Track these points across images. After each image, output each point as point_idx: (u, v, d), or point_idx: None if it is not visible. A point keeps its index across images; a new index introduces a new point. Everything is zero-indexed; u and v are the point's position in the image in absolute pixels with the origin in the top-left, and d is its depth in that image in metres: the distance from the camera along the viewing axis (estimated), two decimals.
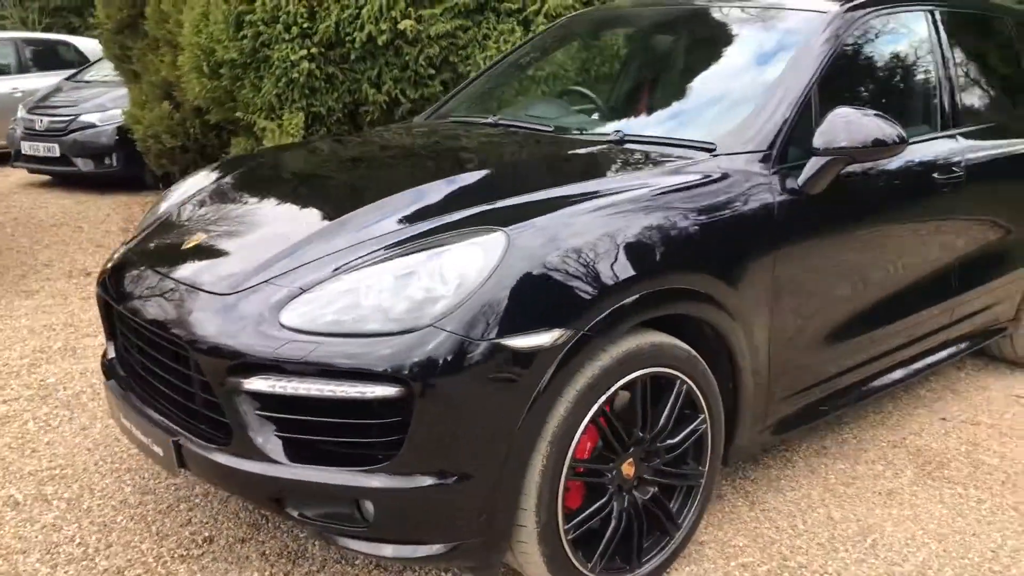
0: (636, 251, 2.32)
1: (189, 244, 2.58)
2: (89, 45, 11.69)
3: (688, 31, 3.43)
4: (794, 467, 3.34)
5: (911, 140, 2.86)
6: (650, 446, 2.48)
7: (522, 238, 2.19)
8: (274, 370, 2.14)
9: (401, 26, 5.67)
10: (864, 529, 2.94)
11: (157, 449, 2.42)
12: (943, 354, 3.56)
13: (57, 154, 8.74)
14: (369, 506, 2.15)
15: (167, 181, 8.06)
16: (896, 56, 3.34)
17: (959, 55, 3.59)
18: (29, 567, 2.68)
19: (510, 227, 2.21)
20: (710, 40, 3.32)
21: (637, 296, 2.29)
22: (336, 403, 2.11)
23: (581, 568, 2.37)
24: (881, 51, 3.28)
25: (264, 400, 2.17)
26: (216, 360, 2.19)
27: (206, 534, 2.83)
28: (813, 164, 2.74)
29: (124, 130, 8.49)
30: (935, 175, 3.25)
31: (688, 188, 2.52)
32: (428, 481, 2.10)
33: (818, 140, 2.71)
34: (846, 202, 2.89)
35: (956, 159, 3.37)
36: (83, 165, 8.75)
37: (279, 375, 2.13)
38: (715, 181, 2.59)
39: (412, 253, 2.21)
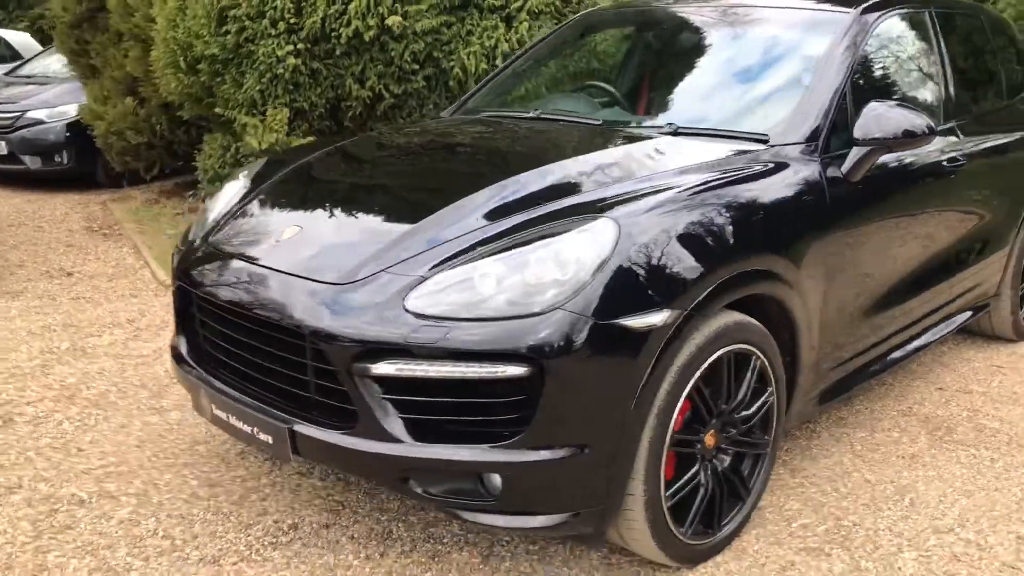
0: (725, 235, 2.50)
1: (284, 236, 2.63)
2: (19, 39, 11.27)
3: (717, 28, 3.62)
4: (820, 437, 3.58)
5: None
6: (728, 418, 2.66)
7: (629, 225, 2.33)
8: (403, 354, 2.23)
9: (388, 22, 5.73)
10: (900, 489, 3.18)
11: (265, 437, 2.47)
12: (947, 327, 3.86)
13: (4, 152, 8.44)
14: (495, 480, 2.26)
15: (132, 178, 7.90)
16: (908, 53, 3.61)
17: (951, 51, 3.88)
18: (120, 561, 2.69)
19: (617, 215, 2.35)
20: (741, 37, 3.51)
21: (727, 277, 2.47)
22: (462, 383, 2.22)
23: (677, 534, 2.53)
24: (896, 48, 3.53)
25: (390, 383, 2.26)
26: (342, 347, 2.27)
27: (289, 521, 2.89)
28: (855, 153, 2.97)
29: (75, 126, 8.27)
30: (944, 163, 3.53)
31: (758, 177, 2.71)
32: (554, 454, 2.23)
33: (858, 132, 2.94)
34: (880, 188, 3.13)
35: (958, 148, 3.65)
36: (31, 163, 8.48)
37: (407, 359, 2.23)
38: (778, 170, 2.78)
39: (527, 242, 2.33)
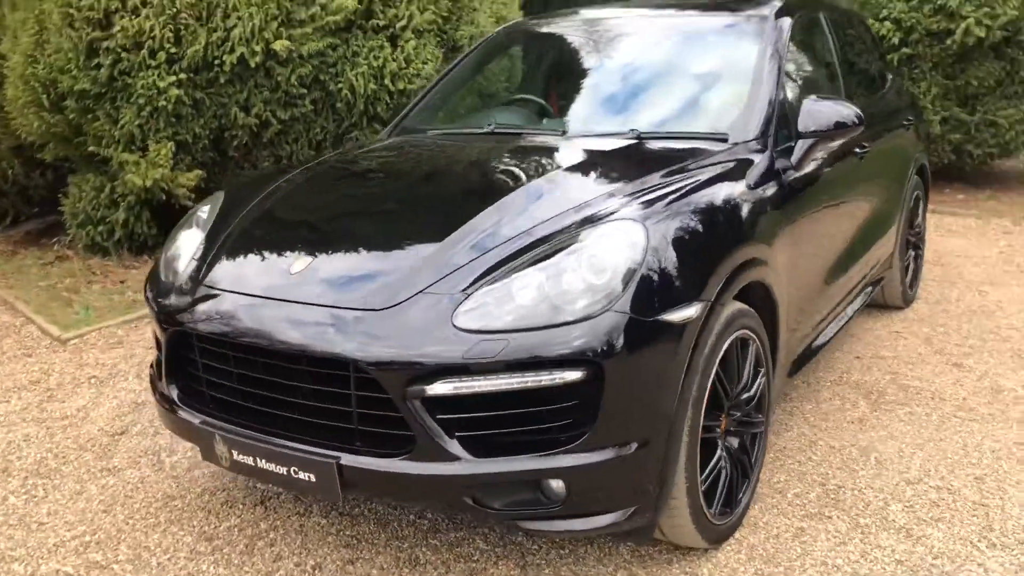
0: (727, 228, 2.67)
1: (296, 268, 2.55)
2: None
3: (645, 37, 3.80)
4: (774, 414, 3.82)
5: None
6: (735, 400, 2.82)
7: (652, 225, 2.44)
8: (458, 372, 2.23)
9: (275, 47, 5.60)
10: (863, 451, 3.46)
11: (306, 476, 2.39)
12: (864, 298, 4.23)
13: None
14: (557, 486, 2.30)
15: None
16: (816, 51, 3.93)
17: (842, 50, 4.27)
18: None
19: (639, 216, 2.45)
20: (672, 44, 3.72)
21: (734, 266, 2.62)
22: (519, 394, 2.25)
23: (709, 516, 2.66)
24: (807, 48, 3.84)
25: (446, 403, 2.25)
26: (394, 373, 2.24)
27: (311, 562, 2.79)
28: (801, 146, 3.23)
29: None
30: (856, 149, 3.87)
31: (737, 172, 2.89)
32: (618, 452, 2.30)
33: (800, 125, 3.21)
34: (820, 174, 3.41)
35: (862, 135, 4.02)
36: None
37: (463, 376, 2.23)
38: (748, 165, 2.98)
39: (559, 250, 2.38)
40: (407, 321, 2.31)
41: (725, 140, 3.14)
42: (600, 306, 2.26)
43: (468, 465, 2.27)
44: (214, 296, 2.63)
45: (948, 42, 7.54)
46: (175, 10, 5.45)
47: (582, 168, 2.94)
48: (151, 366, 3.02)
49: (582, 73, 3.82)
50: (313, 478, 2.39)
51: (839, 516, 3.01)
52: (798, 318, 3.32)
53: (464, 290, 2.34)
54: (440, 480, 2.28)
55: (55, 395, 4.28)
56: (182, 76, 5.53)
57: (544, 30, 4.25)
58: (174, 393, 2.76)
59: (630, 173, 2.85)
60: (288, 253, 2.66)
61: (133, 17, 5.45)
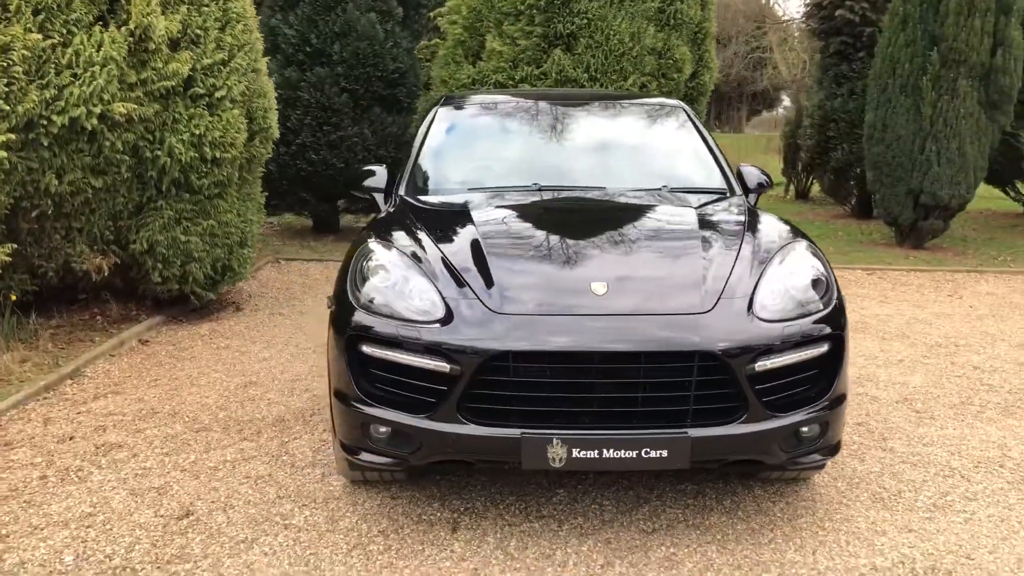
0: None
1: (600, 291, 3.07)
2: None
3: (599, 115, 4.81)
4: None
5: None
6: None
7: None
8: (768, 352, 3.05)
9: (118, 109, 5.27)
10: None
11: (657, 454, 2.92)
12: None
13: None
14: (812, 430, 3.20)
15: None
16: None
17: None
18: None
19: (803, 240, 3.52)
20: (621, 120, 4.81)
21: None
22: (797, 365, 3.14)
23: None
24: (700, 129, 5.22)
25: (759, 376, 3.04)
26: (736, 357, 2.97)
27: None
28: (754, 195, 4.53)
29: None
30: None
31: (751, 209, 4.07)
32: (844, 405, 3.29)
33: (755, 183, 4.53)
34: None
35: None
36: None
37: (770, 355, 3.05)
38: (748, 206, 4.18)
39: (776, 259, 3.32)
40: (726, 318, 3.05)
41: (724, 192, 4.32)
42: (823, 300, 3.26)
43: (776, 421, 3.06)
44: (527, 321, 2.98)
45: None
46: (8, 62, 4.79)
47: (698, 206, 3.89)
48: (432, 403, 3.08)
49: (554, 145, 4.68)
50: (665, 453, 2.93)
51: None
52: None
53: (745, 293, 3.14)
54: (764, 435, 3.04)
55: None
56: (11, 136, 4.84)
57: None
58: (472, 418, 2.99)
59: (726, 214, 3.87)
60: (581, 279, 3.17)
61: None
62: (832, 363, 3.23)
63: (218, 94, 5.95)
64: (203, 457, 4.08)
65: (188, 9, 5.72)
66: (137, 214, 5.97)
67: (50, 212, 5.39)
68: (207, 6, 5.86)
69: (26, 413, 4.62)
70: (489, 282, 3.17)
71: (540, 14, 8.78)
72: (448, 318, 3.06)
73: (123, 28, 5.30)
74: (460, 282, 3.18)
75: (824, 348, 3.20)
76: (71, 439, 4.29)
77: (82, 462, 4.01)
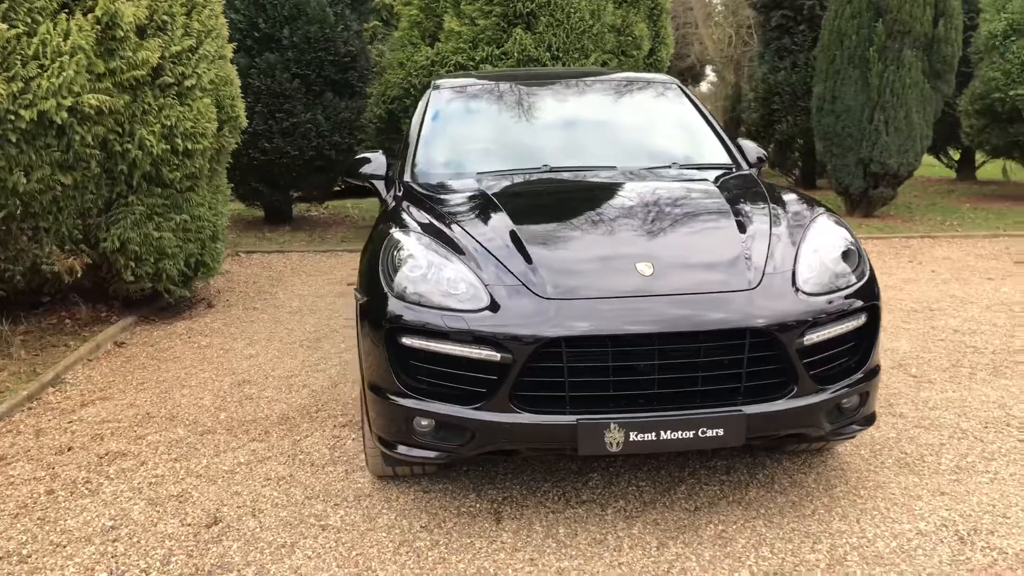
0: None
1: (647, 272, 3.03)
2: None
3: (600, 93, 4.76)
4: None
5: None
6: None
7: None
8: (815, 325, 3.06)
9: (90, 101, 5.02)
10: None
11: (714, 432, 2.91)
12: None
13: None
14: (855, 400, 3.23)
15: None
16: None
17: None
18: None
19: (827, 211, 3.53)
20: (625, 98, 4.75)
21: None
22: (839, 338, 3.15)
23: None
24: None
25: (806, 350, 3.04)
26: (788, 331, 2.97)
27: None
28: (755, 168, 4.54)
29: None
30: None
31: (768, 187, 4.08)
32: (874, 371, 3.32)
33: (750, 156, 4.55)
34: None
35: None
36: None
37: (816, 328, 3.06)
38: (762, 181, 4.19)
39: (806, 237, 3.33)
40: (774, 293, 3.04)
41: (730, 167, 4.32)
42: (856, 273, 3.28)
43: (823, 394, 3.08)
44: (579, 305, 2.93)
45: None
46: None
47: (716, 182, 3.88)
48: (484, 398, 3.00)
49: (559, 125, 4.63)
50: (721, 432, 2.92)
51: None
52: None
53: (788, 268, 3.15)
54: (813, 408, 3.05)
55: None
56: None
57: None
58: (523, 404, 2.93)
59: (743, 188, 3.87)
60: (625, 258, 3.12)
61: None
62: (869, 334, 3.26)
63: (188, 83, 5.71)
64: (215, 461, 3.93)
65: None
66: (106, 211, 5.71)
67: (17, 213, 5.11)
68: None
69: (14, 425, 4.39)
70: (530, 266, 3.10)
71: None
72: (495, 306, 2.99)
73: (89, 16, 5.03)
74: (499, 267, 3.11)
75: (862, 319, 3.22)
76: (70, 450, 4.09)
77: (88, 473, 3.82)
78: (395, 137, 9.84)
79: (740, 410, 2.95)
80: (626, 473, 3.66)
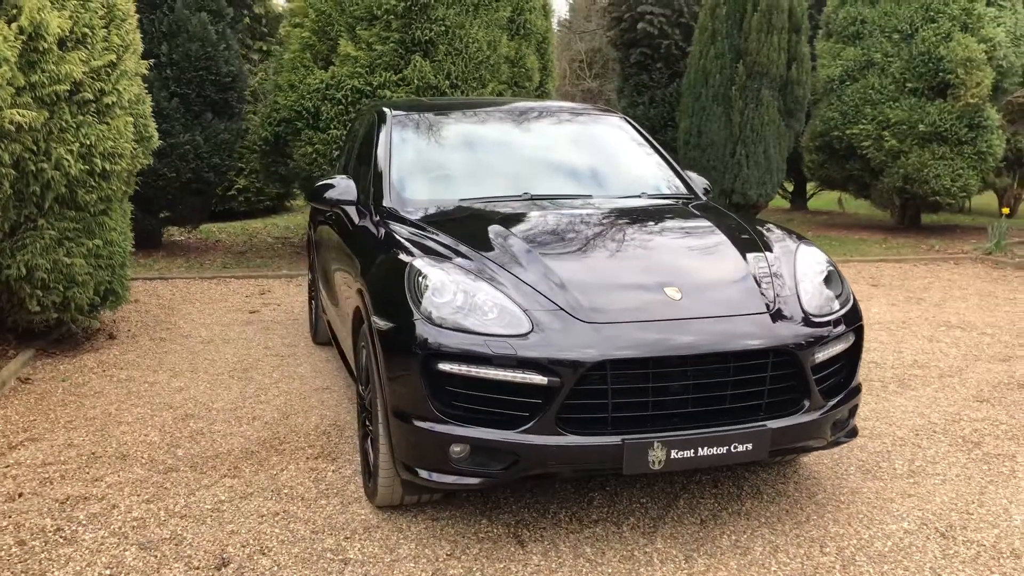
0: None
1: (676, 296, 3.17)
2: None
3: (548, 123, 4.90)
4: None
5: None
6: None
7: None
8: (824, 343, 3.31)
9: (13, 116, 4.66)
10: None
11: (743, 447, 3.08)
12: None
13: None
14: (845, 413, 3.51)
15: None
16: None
17: None
18: None
19: (803, 240, 3.83)
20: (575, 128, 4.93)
21: None
22: (839, 355, 3.43)
23: None
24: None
25: (817, 367, 3.30)
26: (803, 351, 3.20)
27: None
28: (707, 196, 4.82)
29: None
30: None
31: (739, 217, 4.37)
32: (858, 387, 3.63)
33: (701, 188, 4.84)
34: None
35: None
36: None
37: (822, 347, 3.32)
38: (731, 211, 4.48)
39: (796, 264, 3.60)
40: (788, 315, 3.27)
41: (689, 199, 4.57)
42: (842, 298, 3.58)
43: (828, 408, 3.33)
44: (621, 329, 3.03)
45: None
46: None
47: (703, 213, 4.08)
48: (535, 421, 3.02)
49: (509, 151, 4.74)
50: (750, 447, 3.10)
51: None
52: None
53: (789, 293, 3.39)
54: (822, 421, 3.29)
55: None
56: None
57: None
58: (570, 427, 3.00)
59: (711, 213, 4.11)
60: (651, 284, 3.24)
61: None
62: (855, 353, 3.55)
63: (108, 99, 5.39)
64: (192, 500, 3.72)
65: (76, 4, 5.11)
66: (11, 235, 5.26)
67: None
68: (92, 1, 5.27)
69: None
70: (564, 291, 3.17)
71: (397, 20, 8.69)
72: (538, 330, 3.04)
73: (13, 25, 4.66)
74: (534, 292, 3.16)
75: (852, 339, 3.51)
76: (20, 496, 3.74)
77: (55, 520, 3.52)
78: (280, 161, 9.60)
79: (765, 425, 3.14)
80: (623, 491, 3.78)
